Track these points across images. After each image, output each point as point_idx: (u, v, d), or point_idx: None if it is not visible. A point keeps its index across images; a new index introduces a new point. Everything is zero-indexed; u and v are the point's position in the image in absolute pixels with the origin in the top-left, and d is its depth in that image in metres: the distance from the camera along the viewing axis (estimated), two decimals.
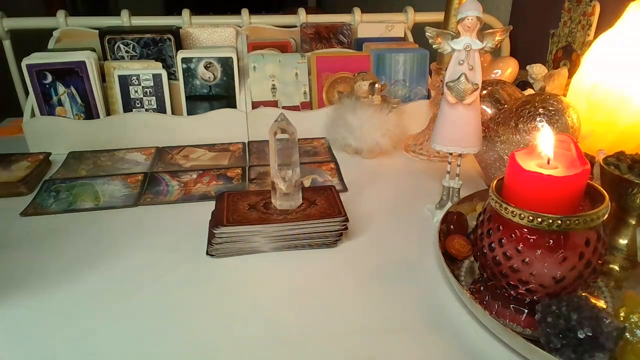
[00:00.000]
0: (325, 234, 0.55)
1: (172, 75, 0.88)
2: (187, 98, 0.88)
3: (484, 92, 0.68)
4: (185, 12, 0.99)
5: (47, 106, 0.83)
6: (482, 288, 0.47)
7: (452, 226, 0.56)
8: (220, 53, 0.87)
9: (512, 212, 0.39)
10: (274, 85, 0.90)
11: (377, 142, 0.80)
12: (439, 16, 0.85)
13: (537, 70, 0.89)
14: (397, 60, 0.91)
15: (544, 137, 0.41)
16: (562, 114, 0.59)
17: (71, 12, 0.98)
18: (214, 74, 0.87)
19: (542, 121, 0.59)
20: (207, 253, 0.55)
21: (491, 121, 0.65)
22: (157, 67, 0.86)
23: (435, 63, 0.80)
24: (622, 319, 0.39)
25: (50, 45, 0.92)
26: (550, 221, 0.37)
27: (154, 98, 0.86)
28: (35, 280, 0.51)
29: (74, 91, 0.83)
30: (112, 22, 0.98)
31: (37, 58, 0.81)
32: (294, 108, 0.91)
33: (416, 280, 0.51)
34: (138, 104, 0.86)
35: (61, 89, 0.82)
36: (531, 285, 0.40)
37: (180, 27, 0.94)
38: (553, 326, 0.37)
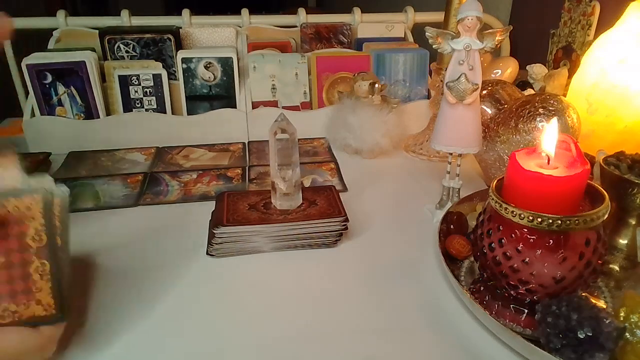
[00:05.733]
0: (325, 234, 0.55)
1: (172, 75, 0.88)
2: (187, 98, 0.88)
3: (484, 92, 0.68)
4: (185, 12, 0.99)
5: (47, 106, 0.83)
6: (482, 288, 0.47)
7: (452, 226, 0.56)
8: (220, 53, 0.87)
9: (512, 212, 0.39)
10: (274, 85, 0.90)
11: (377, 142, 0.80)
12: (439, 16, 0.85)
13: (537, 70, 0.89)
14: (397, 60, 0.91)
15: (549, 130, 0.41)
16: (562, 114, 0.59)
17: (71, 12, 0.98)
18: (214, 74, 0.87)
19: (542, 121, 0.59)
20: (207, 253, 0.55)
21: (491, 121, 0.65)
22: (157, 67, 0.86)
23: (435, 63, 0.80)
24: (622, 319, 0.39)
25: (50, 45, 0.92)
26: (550, 221, 0.37)
27: (154, 98, 0.86)
28: None
29: (74, 91, 0.83)
30: (112, 22, 0.98)
31: (37, 58, 0.81)
32: (294, 108, 0.91)
33: (416, 280, 0.51)
34: (138, 104, 0.86)
35: (61, 89, 0.82)
36: (531, 285, 0.40)
37: (180, 27, 0.94)
38: (553, 326, 0.37)
